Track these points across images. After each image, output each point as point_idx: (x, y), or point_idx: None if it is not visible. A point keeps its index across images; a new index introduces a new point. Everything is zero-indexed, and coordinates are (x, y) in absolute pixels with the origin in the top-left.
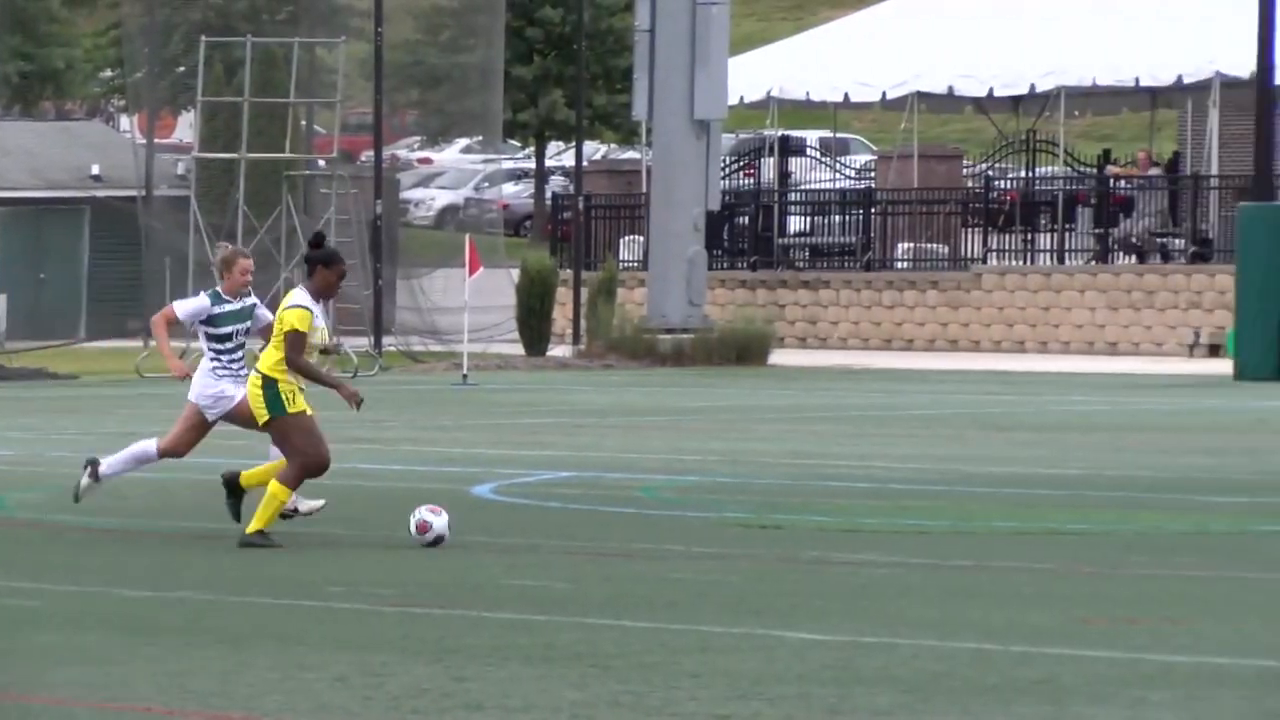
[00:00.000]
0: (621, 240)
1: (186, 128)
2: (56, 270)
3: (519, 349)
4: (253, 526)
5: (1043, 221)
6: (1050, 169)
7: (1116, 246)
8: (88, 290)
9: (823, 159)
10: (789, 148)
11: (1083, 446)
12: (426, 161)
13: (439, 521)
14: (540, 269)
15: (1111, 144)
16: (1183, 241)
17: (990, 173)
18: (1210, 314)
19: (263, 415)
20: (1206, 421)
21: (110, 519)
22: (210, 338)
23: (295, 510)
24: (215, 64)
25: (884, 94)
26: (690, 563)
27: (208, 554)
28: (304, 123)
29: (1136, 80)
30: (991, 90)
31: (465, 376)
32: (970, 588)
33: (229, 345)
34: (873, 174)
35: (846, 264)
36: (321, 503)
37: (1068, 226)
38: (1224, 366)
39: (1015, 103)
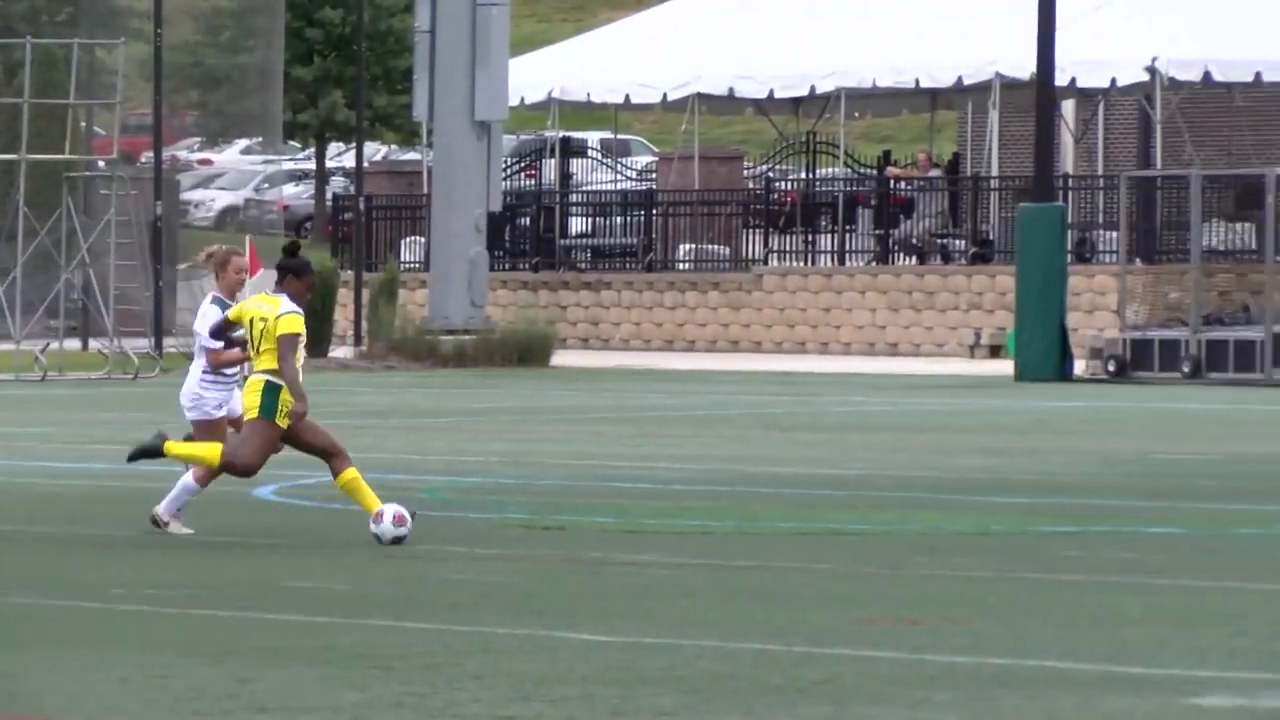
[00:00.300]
0: (403, 241)
1: None
2: None
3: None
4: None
5: (823, 223)
6: (831, 170)
7: (897, 247)
8: None
9: (604, 160)
10: (570, 149)
11: (864, 447)
12: (207, 163)
13: (406, 530)
14: (321, 270)
15: (892, 145)
16: (963, 242)
17: (771, 174)
18: (991, 315)
19: (253, 411)
20: (987, 422)
21: None
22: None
23: (165, 524)
24: None
25: (665, 95)
26: (473, 564)
27: None
28: (84, 124)
29: (917, 82)
30: (772, 92)
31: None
32: (753, 588)
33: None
34: (654, 175)
35: (628, 265)
36: (190, 532)
37: (848, 228)
38: (1004, 367)
39: (796, 104)
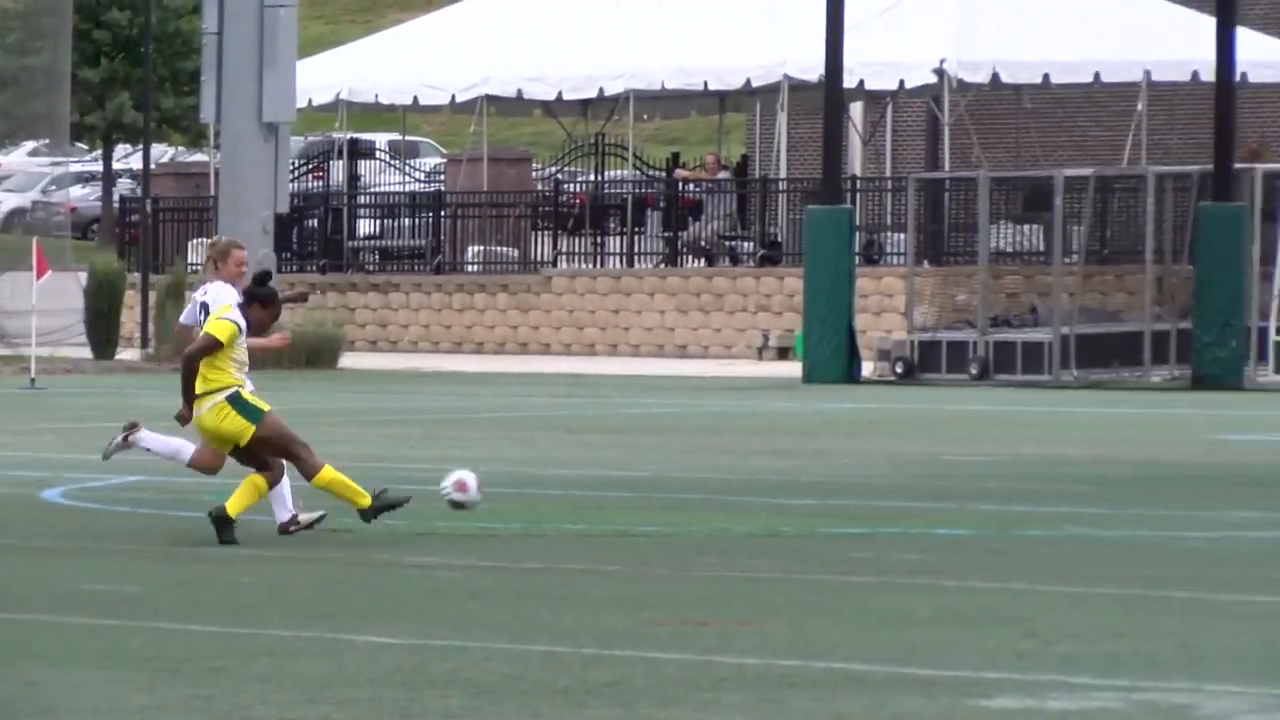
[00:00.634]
0: (190, 243)
1: None
2: None
3: (88, 352)
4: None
5: (612, 225)
6: (619, 172)
7: (686, 249)
8: None
9: (392, 162)
10: (358, 151)
11: (653, 449)
12: None
13: (469, 496)
14: (108, 272)
15: (681, 147)
16: (751, 244)
17: (560, 176)
18: (779, 317)
19: (247, 432)
20: (775, 424)
21: None
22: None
23: (298, 522)
24: None
25: (453, 97)
26: (259, 567)
27: None
28: None
29: (705, 84)
30: (560, 93)
31: (33, 380)
32: (540, 590)
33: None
34: (442, 177)
35: (416, 267)
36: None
37: (637, 230)
38: (793, 369)
39: (584, 106)
